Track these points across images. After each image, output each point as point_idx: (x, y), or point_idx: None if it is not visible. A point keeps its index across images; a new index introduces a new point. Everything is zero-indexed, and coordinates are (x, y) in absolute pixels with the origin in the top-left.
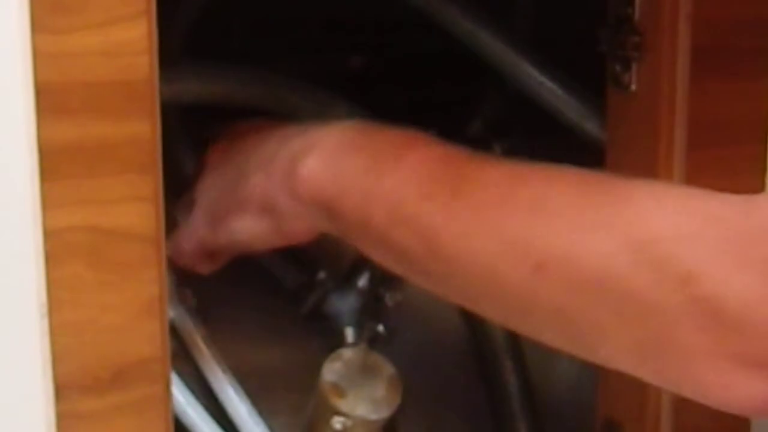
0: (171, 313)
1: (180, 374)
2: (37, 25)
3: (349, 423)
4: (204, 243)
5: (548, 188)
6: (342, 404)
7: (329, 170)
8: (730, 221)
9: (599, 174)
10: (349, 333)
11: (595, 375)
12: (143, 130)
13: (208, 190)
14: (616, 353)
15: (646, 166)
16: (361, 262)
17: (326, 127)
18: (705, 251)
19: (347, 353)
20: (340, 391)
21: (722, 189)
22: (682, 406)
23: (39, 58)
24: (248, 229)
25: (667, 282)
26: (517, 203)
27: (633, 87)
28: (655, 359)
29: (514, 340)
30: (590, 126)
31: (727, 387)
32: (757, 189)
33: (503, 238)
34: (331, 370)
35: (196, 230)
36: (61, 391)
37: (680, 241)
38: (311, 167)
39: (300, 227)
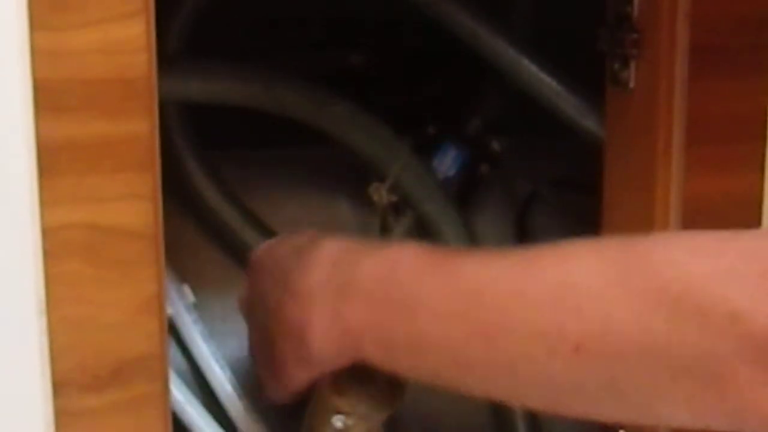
0: (169, 310)
1: (178, 371)
2: (35, 23)
3: (349, 421)
4: (282, 393)
5: (565, 270)
6: (342, 402)
7: (337, 327)
8: (765, 253)
9: (609, 239)
10: None
11: None
12: (141, 127)
13: (254, 337)
14: (675, 411)
15: (644, 164)
16: None
17: (305, 269)
18: (747, 287)
19: None
20: (339, 389)
21: (721, 186)
22: None
23: (37, 55)
24: (302, 381)
25: (712, 326)
26: (536, 295)
27: (631, 85)
28: (715, 405)
29: None
30: (589, 124)
31: None
32: (756, 186)
33: (533, 334)
34: None
35: (269, 387)
36: (60, 388)
37: (719, 281)
38: (318, 329)
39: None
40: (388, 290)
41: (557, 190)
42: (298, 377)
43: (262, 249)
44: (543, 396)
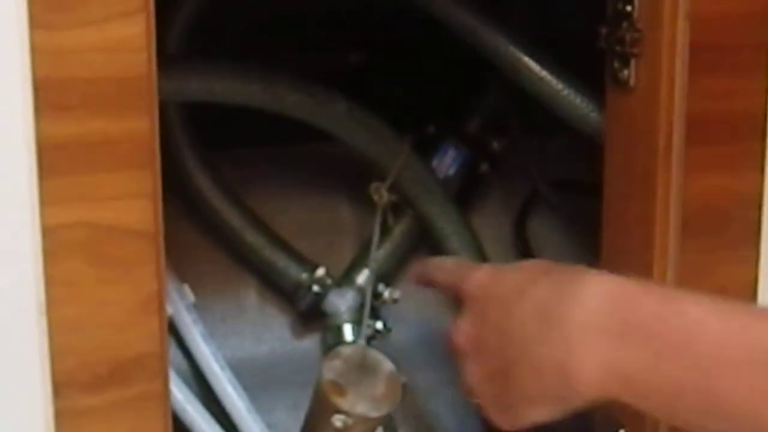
0: (169, 310)
1: (178, 371)
2: (35, 22)
3: (349, 421)
4: (515, 426)
5: None
6: (342, 402)
7: (605, 368)
8: None
9: None
10: (348, 330)
11: None
12: (141, 126)
13: (483, 374)
14: None
15: (644, 163)
16: (360, 259)
17: (571, 306)
18: None
19: (346, 350)
20: (339, 388)
21: (720, 185)
22: None
23: (37, 54)
24: (542, 418)
25: None
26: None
27: (632, 83)
28: None
29: None
30: (589, 122)
31: None
32: (756, 185)
33: None
34: (331, 368)
35: (498, 420)
36: (60, 387)
37: None
38: (586, 370)
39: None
40: (681, 343)
41: (557, 190)
42: (544, 414)
43: (483, 280)
44: None
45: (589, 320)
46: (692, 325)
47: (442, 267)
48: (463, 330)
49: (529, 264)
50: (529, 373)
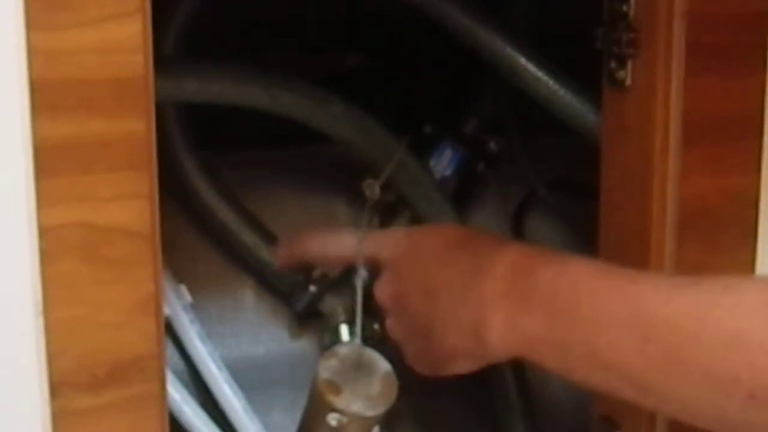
0: (166, 310)
1: (175, 371)
2: (32, 23)
3: (344, 420)
4: (437, 374)
5: (740, 325)
6: (337, 401)
7: (508, 330)
8: None
9: None
10: (345, 330)
11: None
12: (138, 127)
13: (406, 329)
14: None
15: (641, 163)
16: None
17: (485, 277)
18: None
19: (342, 350)
20: (335, 388)
21: (716, 185)
22: None
23: (34, 55)
24: (463, 370)
25: None
26: (711, 341)
27: (628, 83)
28: None
29: None
30: (586, 122)
31: None
32: (753, 185)
33: (706, 379)
34: (327, 367)
35: (420, 368)
36: (57, 388)
37: None
38: (494, 331)
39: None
40: (568, 306)
41: (554, 191)
42: (462, 367)
43: (406, 241)
44: (718, 427)
45: (497, 287)
46: (577, 291)
47: (331, 241)
48: (384, 289)
49: (446, 230)
50: (450, 333)
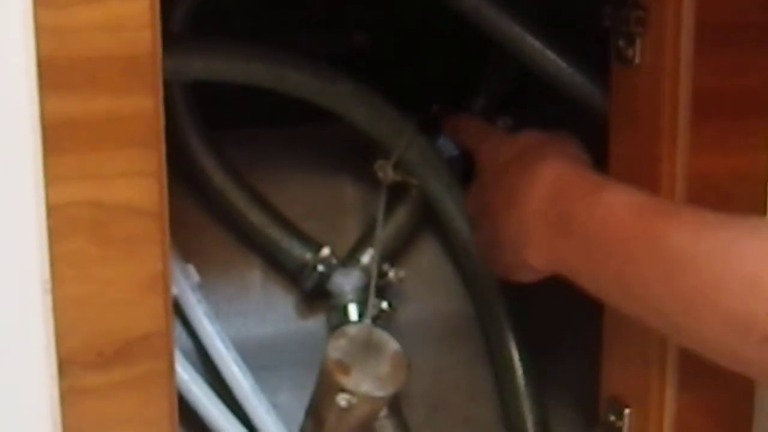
0: (174, 290)
1: (183, 351)
2: (39, 0)
3: (353, 400)
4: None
5: (762, 266)
6: (346, 381)
7: (546, 251)
8: None
9: None
10: (353, 310)
11: (600, 352)
12: (146, 104)
13: (480, 235)
14: None
15: (650, 141)
16: (365, 239)
17: (527, 194)
18: None
19: (351, 330)
20: (344, 368)
21: (726, 163)
22: (687, 384)
23: (41, 32)
24: (526, 280)
25: None
26: (732, 283)
27: (637, 61)
28: None
29: (518, 315)
30: (594, 100)
31: None
32: (762, 163)
33: (726, 318)
34: (336, 347)
35: (500, 273)
36: (65, 366)
37: None
38: (535, 252)
39: None
40: (601, 236)
41: None
42: (521, 276)
43: (488, 151)
44: (735, 366)
45: (537, 208)
46: (609, 217)
47: (467, 127)
48: (469, 196)
49: (521, 138)
50: (502, 247)
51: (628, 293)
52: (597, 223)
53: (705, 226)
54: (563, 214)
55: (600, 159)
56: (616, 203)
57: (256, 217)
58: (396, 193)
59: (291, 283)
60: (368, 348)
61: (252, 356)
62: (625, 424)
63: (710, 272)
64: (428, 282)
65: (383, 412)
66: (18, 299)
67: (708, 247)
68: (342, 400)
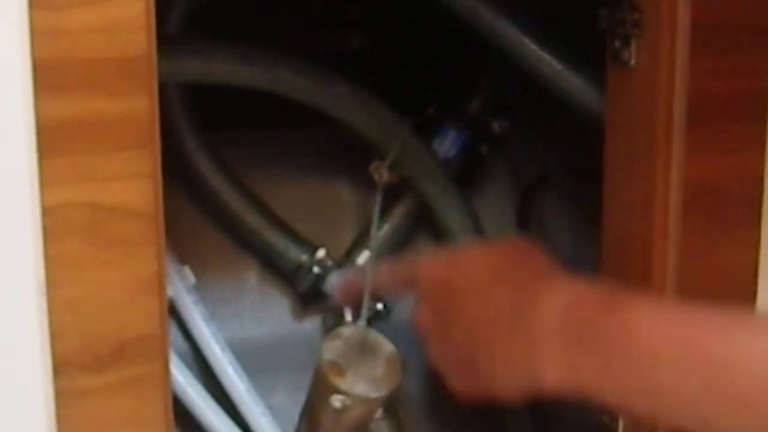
0: (170, 291)
1: (179, 353)
2: (34, 2)
3: (348, 401)
4: (475, 399)
5: None
6: (341, 383)
7: (564, 371)
8: None
9: None
10: (348, 311)
11: None
12: (141, 106)
13: (448, 358)
14: None
15: (645, 143)
16: (361, 241)
17: (533, 318)
18: None
19: (346, 331)
20: (339, 369)
21: (721, 164)
22: None
23: (36, 34)
24: (510, 398)
25: None
26: None
27: (632, 63)
28: None
29: None
30: (590, 103)
31: None
32: (757, 166)
33: None
34: (330, 349)
35: (459, 391)
36: (60, 368)
37: None
38: (548, 371)
39: None
40: (626, 345)
41: (562, 175)
42: (509, 396)
43: (446, 270)
44: None
45: (549, 330)
46: (633, 333)
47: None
48: (423, 318)
49: (489, 256)
50: (499, 366)
51: (659, 400)
52: (619, 332)
53: (735, 327)
54: (580, 328)
55: (596, 160)
56: (641, 319)
57: (251, 218)
58: (391, 195)
59: (287, 284)
60: (363, 349)
61: (248, 358)
62: (620, 425)
63: (751, 375)
64: None
65: (379, 414)
66: (13, 301)
67: (745, 351)
68: (336, 401)
